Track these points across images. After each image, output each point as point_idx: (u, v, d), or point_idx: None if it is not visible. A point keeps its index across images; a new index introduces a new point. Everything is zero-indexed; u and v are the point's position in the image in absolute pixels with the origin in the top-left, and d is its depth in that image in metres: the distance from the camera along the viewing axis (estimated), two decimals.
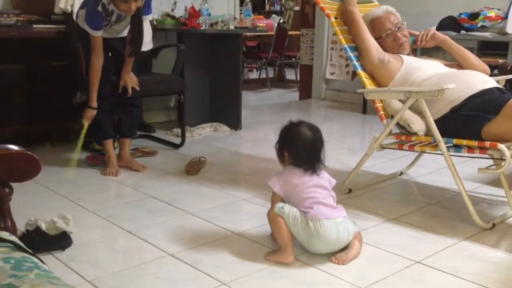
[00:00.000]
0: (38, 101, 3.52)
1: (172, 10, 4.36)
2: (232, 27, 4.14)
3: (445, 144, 2.29)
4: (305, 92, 6.22)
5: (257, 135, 4.24)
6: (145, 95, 3.39)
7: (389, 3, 2.89)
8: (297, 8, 7.70)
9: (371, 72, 2.69)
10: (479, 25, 4.40)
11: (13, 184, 1.21)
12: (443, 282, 1.81)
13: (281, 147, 2.04)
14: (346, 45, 2.75)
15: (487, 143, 2.17)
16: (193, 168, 3.08)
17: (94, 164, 3.18)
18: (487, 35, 4.25)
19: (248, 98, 6.19)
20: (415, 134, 2.44)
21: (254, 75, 8.45)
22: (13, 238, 1.11)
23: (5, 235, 1.10)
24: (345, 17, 2.80)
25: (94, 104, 2.94)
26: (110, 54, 3.07)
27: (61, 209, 2.36)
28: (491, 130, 2.21)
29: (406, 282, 1.80)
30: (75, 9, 3.31)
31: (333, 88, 6.03)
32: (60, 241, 2.01)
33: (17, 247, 1.05)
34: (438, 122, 2.32)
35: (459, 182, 2.28)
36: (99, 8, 2.76)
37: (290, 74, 7.82)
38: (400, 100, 2.48)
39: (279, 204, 1.96)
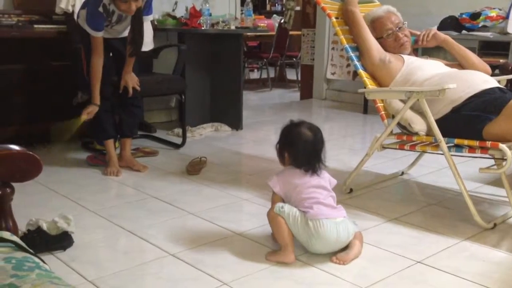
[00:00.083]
0: (39, 101, 3.53)
1: (173, 10, 4.36)
2: (233, 27, 4.14)
3: (446, 144, 2.29)
4: (306, 92, 6.22)
5: (258, 135, 4.24)
6: (146, 95, 3.39)
7: (390, 3, 2.89)
8: (298, 8, 7.70)
9: (372, 72, 2.69)
10: (480, 25, 4.39)
11: (14, 184, 1.21)
12: (444, 282, 1.81)
13: (281, 147, 2.04)
14: (347, 45, 2.75)
15: (488, 143, 2.17)
16: (194, 168, 3.08)
17: (95, 164, 3.19)
18: (488, 35, 4.24)
19: (249, 98, 6.18)
20: (416, 134, 2.44)
21: (255, 75, 8.45)
22: (14, 238, 1.11)
23: (7, 235, 1.10)
24: (346, 17, 2.80)
25: (97, 101, 2.93)
26: (111, 54, 3.07)
27: (62, 209, 2.36)
28: (492, 130, 2.21)
29: (407, 282, 1.80)
30: (76, 9, 3.32)
31: (334, 88, 6.02)
32: (61, 241, 2.01)
33: (18, 247, 1.05)
34: (439, 122, 2.32)
35: (460, 182, 2.27)
36: (100, 8, 2.77)
37: (291, 74, 7.82)
38: (401, 100, 2.48)
39: (279, 204, 1.96)
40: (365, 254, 1.99)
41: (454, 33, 4.28)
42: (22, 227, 1.94)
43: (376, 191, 2.78)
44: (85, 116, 2.91)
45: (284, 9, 8.53)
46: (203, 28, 4.00)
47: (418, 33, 2.85)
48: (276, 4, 10.53)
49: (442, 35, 2.79)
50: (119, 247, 2.10)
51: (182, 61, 3.76)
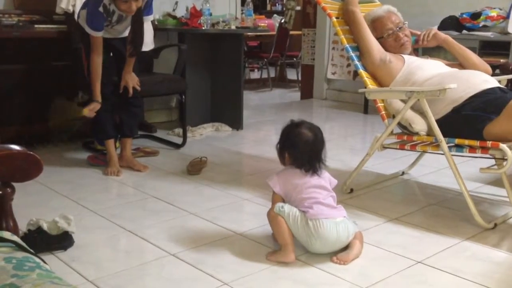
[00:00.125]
0: (40, 101, 3.53)
1: (174, 10, 4.36)
2: (233, 27, 4.14)
3: (447, 144, 2.29)
4: (307, 92, 6.22)
5: (259, 135, 4.24)
6: (146, 95, 3.39)
7: (390, 3, 2.89)
8: (298, 8, 7.69)
9: (372, 72, 2.69)
10: (480, 25, 4.39)
11: (15, 184, 1.21)
12: (445, 282, 1.81)
13: (282, 148, 2.04)
14: (347, 45, 2.75)
15: (489, 143, 2.17)
16: (195, 168, 3.08)
17: (96, 164, 3.19)
18: (488, 34, 4.24)
19: (250, 98, 6.18)
20: (417, 134, 2.43)
21: (255, 75, 8.44)
22: (15, 238, 1.11)
23: (7, 235, 1.10)
24: (347, 17, 2.80)
25: (98, 98, 2.92)
26: (111, 54, 3.07)
27: (62, 209, 2.36)
28: (493, 130, 2.21)
29: (407, 282, 1.80)
30: (77, 9, 3.31)
31: (335, 88, 6.02)
32: (61, 241, 2.01)
33: (19, 247, 1.05)
34: (439, 122, 2.32)
35: (460, 182, 2.27)
36: (100, 8, 2.77)
37: (292, 74, 7.82)
38: (402, 100, 2.48)
39: (279, 204, 1.97)
40: (366, 254, 1.99)
41: (455, 33, 4.28)
42: (23, 227, 1.94)
43: (377, 191, 2.78)
44: (86, 111, 2.90)
45: (284, 9, 8.52)
46: (203, 28, 4.00)
47: (419, 33, 2.85)
48: (277, 4, 10.52)
49: (442, 35, 2.79)
50: (120, 247, 2.10)
51: (182, 61, 3.76)
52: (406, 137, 2.51)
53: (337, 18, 2.82)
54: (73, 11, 3.43)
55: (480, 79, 2.42)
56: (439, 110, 2.39)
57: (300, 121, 2.04)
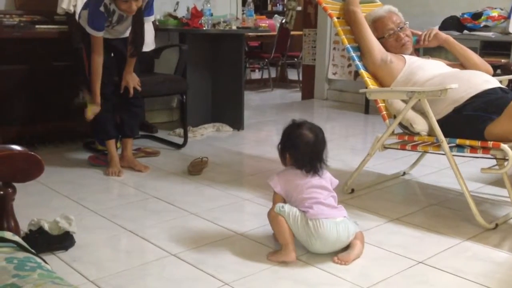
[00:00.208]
0: (41, 101, 3.53)
1: (175, 10, 4.37)
2: (234, 27, 4.14)
3: (448, 144, 2.29)
4: (307, 92, 6.22)
5: (260, 135, 4.24)
6: (147, 95, 3.39)
7: (391, 3, 2.89)
8: (299, 8, 7.69)
9: (373, 72, 2.69)
10: (482, 25, 4.39)
11: (16, 185, 1.21)
12: (446, 282, 1.81)
13: (283, 149, 2.04)
14: (348, 45, 2.75)
15: (490, 143, 2.17)
16: (196, 168, 3.08)
17: (97, 164, 3.19)
18: (490, 35, 4.24)
19: (251, 98, 6.18)
20: (418, 134, 2.43)
21: (256, 75, 8.45)
22: (16, 238, 1.11)
23: (8, 235, 1.10)
24: (348, 17, 2.80)
25: (98, 100, 2.93)
26: (112, 54, 3.08)
27: (63, 209, 2.37)
28: (494, 130, 2.21)
29: (408, 282, 1.80)
30: (78, 10, 3.32)
31: (335, 88, 6.02)
32: (63, 241, 2.02)
33: (20, 247, 1.05)
34: (440, 122, 2.32)
35: (462, 182, 2.27)
36: (101, 8, 2.77)
37: (293, 74, 7.82)
38: (403, 100, 2.48)
39: (279, 204, 1.97)
40: (367, 254, 1.98)
41: (456, 33, 4.28)
42: (24, 227, 1.94)
43: (378, 191, 2.78)
44: (91, 116, 2.93)
45: (285, 9, 8.52)
46: (204, 28, 4.00)
47: (420, 33, 2.85)
48: (278, 4, 10.53)
49: (443, 35, 2.79)
50: (121, 247, 2.10)
51: (183, 61, 3.77)
52: (407, 137, 2.51)
53: (338, 18, 2.82)
54: (74, 12, 3.44)
55: (481, 79, 2.42)
56: (440, 110, 2.38)
57: (302, 122, 2.04)
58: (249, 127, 4.37)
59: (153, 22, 3.86)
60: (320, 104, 5.88)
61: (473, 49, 2.91)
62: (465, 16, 4.46)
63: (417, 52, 3.01)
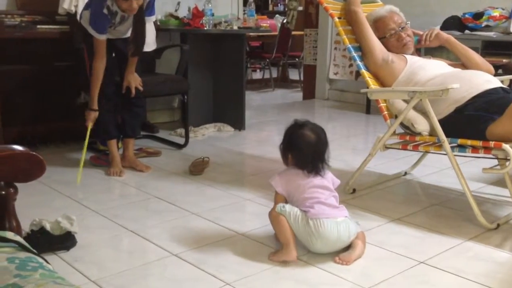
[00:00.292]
0: (42, 102, 3.53)
1: (176, 10, 4.37)
2: (235, 27, 4.14)
3: (450, 144, 2.28)
4: (309, 92, 6.22)
5: (261, 135, 4.24)
6: (148, 96, 3.40)
7: (393, 3, 2.89)
8: (300, 8, 7.69)
9: (374, 72, 2.69)
10: (483, 25, 4.39)
11: (17, 185, 1.21)
12: (447, 282, 1.81)
13: (285, 149, 2.04)
14: (349, 45, 2.75)
15: (492, 143, 2.17)
16: (197, 168, 3.08)
17: (98, 165, 3.19)
18: (491, 34, 4.23)
19: (252, 98, 6.18)
20: (419, 134, 2.43)
21: (257, 75, 8.45)
22: (18, 238, 1.11)
23: (10, 235, 1.10)
24: (349, 17, 2.80)
25: (95, 106, 2.94)
26: (113, 54, 3.08)
27: (65, 209, 2.37)
28: (496, 130, 2.21)
29: (410, 282, 1.80)
30: (79, 10, 3.32)
31: (337, 88, 6.02)
32: (64, 241, 2.02)
33: (22, 247, 1.05)
34: (442, 122, 2.32)
35: (463, 182, 2.27)
36: (105, 10, 2.77)
37: (294, 74, 7.82)
38: (404, 100, 2.47)
39: (280, 204, 1.97)
40: (368, 254, 1.98)
41: (457, 33, 4.28)
42: (26, 227, 1.95)
43: (379, 191, 2.78)
44: (91, 124, 2.94)
45: (286, 9, 8.52)
46: (205, 28, 4.00)
47: (421, 33, 2.84)
48: (279, 4, 10.53)
49: (445, 35, 2.79)
50: (122, 247, 2.10)
51: (184, 61, 3.77)
52: (408, 137, 2.51)
53: (339, 18, 2.82)
54: (76, 12, 3.44)
55: (483, 79, 2.42)
56: (442, 110, 2.38)
57: (304, 122, 2.04)
58: (250, 127, 4.38)
59: (155, 22, 3.86)
60: (321, 104, 5.88)
61: (475, 49, 2.91)
62: (467, 16, 4.45)
63: (418, 52, 3.00)
